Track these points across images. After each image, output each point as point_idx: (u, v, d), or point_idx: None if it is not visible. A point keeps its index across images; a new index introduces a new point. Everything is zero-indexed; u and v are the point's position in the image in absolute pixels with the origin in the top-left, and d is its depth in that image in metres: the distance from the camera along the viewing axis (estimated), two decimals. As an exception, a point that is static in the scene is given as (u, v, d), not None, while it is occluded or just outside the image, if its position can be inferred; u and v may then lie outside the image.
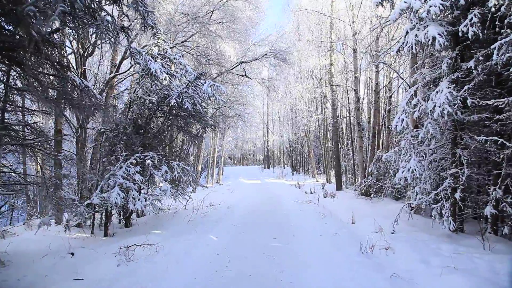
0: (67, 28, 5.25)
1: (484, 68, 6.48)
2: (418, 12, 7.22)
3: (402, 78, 11.86)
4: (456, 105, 6.61)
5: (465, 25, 6.54)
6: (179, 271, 5.69)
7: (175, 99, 8.49)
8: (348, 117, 20.85)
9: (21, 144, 5.50)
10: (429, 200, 7.66)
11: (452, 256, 5.76)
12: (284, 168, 45.10)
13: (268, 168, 50.89)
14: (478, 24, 6.36)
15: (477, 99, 6.53)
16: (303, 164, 37.16)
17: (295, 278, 5.35)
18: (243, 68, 15.39)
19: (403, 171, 8.03)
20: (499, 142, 6.28)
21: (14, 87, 5.49)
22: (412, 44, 7.50)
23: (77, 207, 6.97)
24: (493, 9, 6.13)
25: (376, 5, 8.19)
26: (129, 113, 9.20)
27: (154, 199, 8.20)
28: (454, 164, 7.50)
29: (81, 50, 10.26)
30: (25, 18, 3.81)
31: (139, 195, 7.88)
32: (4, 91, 5.45)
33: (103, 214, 8.87)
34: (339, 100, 22.77)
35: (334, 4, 18.17)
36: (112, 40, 5.44)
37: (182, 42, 13.53)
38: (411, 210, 8.50)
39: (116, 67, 12.74)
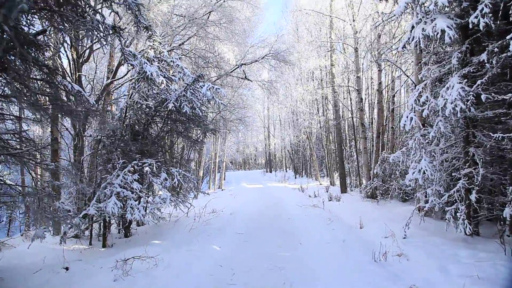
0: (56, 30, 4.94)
1: (498, 61, 6.11)
2: (424, 5, 6.90)
3: (408, 76, 11.50)
4: (469, 101, 6.24)
5: (476, 16, 6.17)
6: (180, 286, 5.32)
7: (173, 103, 8.12)
8: (351, 118, 20.48)
9: (8, 154, 5.13)
10: (442, 203, 7.27)
11: (472, 263, 5.35)
12: (286, 171, 44.69)
13: (270, 172, 50.43)
14: (490, 15, 6.00)
15: (492, 94, 6.16)
16: (306, 167, 36.74)
17: (305, 292, 4.98)
18: (243, 71, 15.06)
19: (414, 172, 7.64)
20: (518, 139, 5.91)
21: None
22: (419, 38, 7.15)
23: (71, 219, 6.60)
24: (505, -2, 5.78)
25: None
26: (126, 119, 8.83)
27: (153, 207, 7.81)
28: (467, 164, 7.13)
29: (74, 55, 9.91)
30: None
31: (138, 204, 7.51)
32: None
33: (102, 224, 8.50)
34: (341, 101, 22.41)
35: (333, 3, 17.86)
36: (103, 40, 5.09)
37: (180, 45, 13.22)
38: (423, 213, 8.09)
39: (113, 73, 12.46)
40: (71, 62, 10.03)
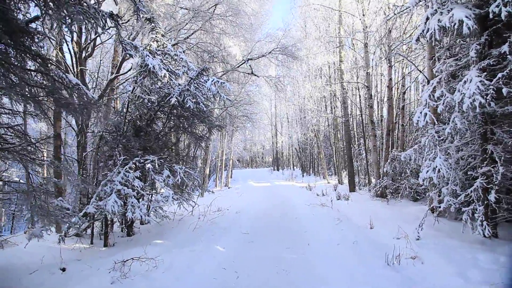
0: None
1: (521, 52, 5.73)
2: (441, -6, 6.55)
3: (420, 71, 11.08)
4: (489, 95, 5.86)
5: (497, 5, 5.80)
6: (180, 291, 5.03)
7: (176, 98, 7.81)
8: (360, 115, 20.06)
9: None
10: (458, 203, 6.89)
11: (495, 269, 4.99)
12: (293, 169, 44.28)
13: (278, 170, 50.12)
14: (513, 3, 5.62)
15: (515, 88, 5.78)
16: (313, 165, 36.35)
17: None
18: (249, 66, 14.68)
19: (428, 171, 7.28)
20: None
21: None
22: (434, 30, 6.80)
23: (69, 217, 6.34)
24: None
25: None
26: (128, 114, 8.54)
27: (155, 206, 7.51)
28: (485, 162, 6.75)
29: (76, 48, 9.65)
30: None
31: (139, 202, 7.22)
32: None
33: (103, 223, 8.25)
34: (350, 98, 21.99)
35: (342, -3, 17.48)
36: (100, 29, 4.79)
37: (185, 39, 12.88)
38: (437, 213, 7.71)
39: (117, 67, 12.19)
40: (72, 56, 9.74)
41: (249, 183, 29.54)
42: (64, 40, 9.80)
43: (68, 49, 9.47)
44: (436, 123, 7.57)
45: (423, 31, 7.32)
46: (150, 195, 7.58)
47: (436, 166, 6.97)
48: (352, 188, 17.28)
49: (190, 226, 9.20)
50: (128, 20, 10.41)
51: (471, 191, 6.68)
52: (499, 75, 5.89)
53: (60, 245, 6.85)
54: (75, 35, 9.80)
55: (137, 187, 7.21)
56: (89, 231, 8.55)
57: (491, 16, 5.94)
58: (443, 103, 7.07)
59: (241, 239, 8.00)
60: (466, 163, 7.83)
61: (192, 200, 9.58)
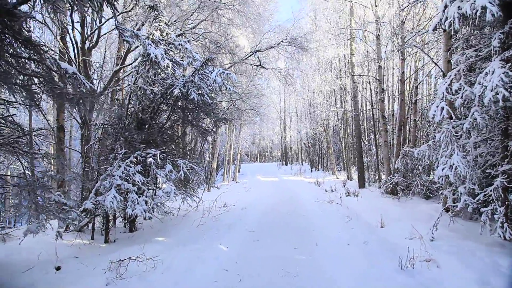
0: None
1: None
2: (461, -20, 6.12)
3: (435, 63, 10.60)
4: (515, 87, 5.44)
5: (525, -10, 5.36)
6: (177, 295, 4.71)
7: (180, 89, 7.45)
8: (370, 110, 19.59)
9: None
10: (476, 202, 6.48)
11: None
12: (302, 164, 43.91)
13: (286, 164, 49.78)
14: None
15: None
16: (322, 161, 35.93)
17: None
18: (258, 58, 14.25)
19: (444, 168, 6.87)
20: None
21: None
22: (453, 17, 6.37)
23: (66, 213, 6.07)
24: None
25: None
26: (130, 106, 8.23)
27: (157, 202, 7.19)
28: (506, 160, 6.32)
29: (77, 38, 9.35)
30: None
31: (140, 198, 6.92)
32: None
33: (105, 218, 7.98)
34: (360, 92, 21.51)
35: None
36: (95, 13, 4.46)
37: (191, 29, 12.50)
38: (452, 213, 7.30)
39: (122, 59, 11.90)
40: (74, 46, 9.43)
41: (257, 178, 29.24)
42: (66, 30, 9.52)
43: (70, 39, 9.15)
44: (454, 117, 7.14)
45: (440, 19, 6.91)
46: (152, 191, 7.26)
47: (453, 164, 6.56)
48: (361, 184, 16.89)
49: (194, 223, 8.90)
50: (131, 9, 10.07)
51: (491, 191, 6.27)
52: (526, 65, 5.47)
53: (58, 241, 6.61)
54: (77, 25, 9.53)
55: (138, 182, 6.91)
56: (90, 226, 8.31)
57: (517, 2, 5.50)
58: (462, 97, 6.65)
59: (246, 238, 7.66)
60: (485, 160, 7.41)
61: (197, 196, 9.27)
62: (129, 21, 11.29)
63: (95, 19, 4.47)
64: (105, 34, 11.78)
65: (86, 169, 8.99)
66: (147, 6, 7.87)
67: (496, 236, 6.02)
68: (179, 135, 10.02)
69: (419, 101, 17.38)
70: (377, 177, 17.98)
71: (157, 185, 8.24)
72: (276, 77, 18.02)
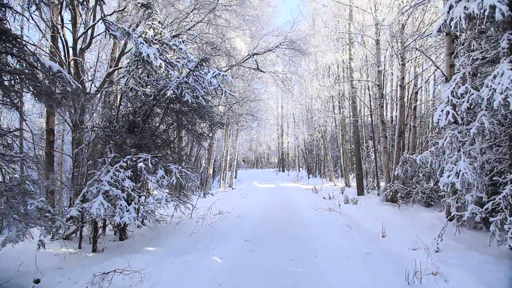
0: None
1: None
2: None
3: (437, 67, 10.33)
4: (527, 91, 5.14)
5: (536, -12, 5.08)
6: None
7: (173, 90, 7.08)
8: (369, 115, 19.32)
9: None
10: (484, 212, 6.15)
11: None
12: (299, 171, 43.60)
13: (283, 171, 49.50)
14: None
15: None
16: (319, 167, 35.66)
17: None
18: (255, 61, 13.94)
19: (449, 175, 6.55)
20: None
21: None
22: (460, 18, 6.10)
23: (48, 221, 5.69)
24: None
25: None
26: (121, 108, 7.87)
27: (146, 210, 6.80)
28: (515, 167, 6.01)
29: (67, 37, 9.00)
30: None
31: (129, 205, 6.54)
32: None
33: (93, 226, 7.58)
34: (359, 97, 21.26)
35: (353, -8, 16.77)
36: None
37: (187, 30, 12.17)
38: (459, 222, 6.95)
39: (116, 61, 11.59)
40: (64, 45, 9.06)
41: (253, 184, 28.84)
42: (56, 29, 9.17)
43: (60, 38, 8.78)
44: (460, 122, 6.82)
45: (445, 21, 6.65)
46: (143, 197, 6.89)
47: (460, 170, 6.23)
48: (360, 192, 16.55)
49: (188, 231, 8.51)
50: (125, 8, 9.76)
51: (500, 199, 5.94)
52: (538, 67, 5.17)
53: (44, 249, 6.22)
54: (69, 25, 9.20)
55: (128, 188, 6.54)
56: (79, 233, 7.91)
57: (527, 1, 5.22)
58: (468, 101, 6.35)
59: (242, 248, 7.25)
60: (491, 167, 7.10)
61: (190, 203, 8.89)
62: (124, 22, 10.99)
63: (95, 22, 4.13)
64: (98, 35, 11.44)
65: (75, 173, 8.61)
66: (140, 4, 7.55)
67: (506, 248, 5.70)
68: (173, 139, 9.62)
69: (417, 107, 17.13)
70: (375, 184, 17.66)
71: (148, 191, 7.86)
72: (274, 82, 17.77)
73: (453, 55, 8.80)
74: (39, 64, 4.96)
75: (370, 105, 18.89)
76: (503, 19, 5.42)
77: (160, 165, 7.18)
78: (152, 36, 7.62)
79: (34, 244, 6.24)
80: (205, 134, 9.74)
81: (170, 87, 7.21)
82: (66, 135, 17.48)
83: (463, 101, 6.41)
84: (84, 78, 9.52)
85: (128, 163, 6.90)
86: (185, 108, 8.16)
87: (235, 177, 34.88)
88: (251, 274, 5.63)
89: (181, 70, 8.36)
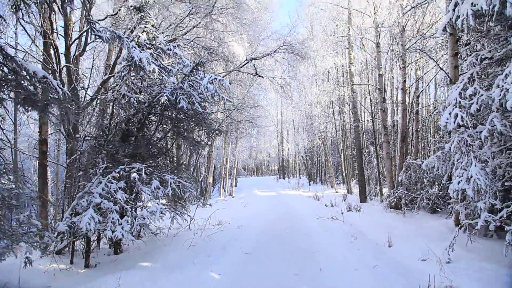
0: None
1: None
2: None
3: (441, 68, 10.00)
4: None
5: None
6: None
7: (167, 96, 6.73)
8: (371, 120, 18.99)
9: None
10: (499, 220, 5.78)
11: None
12: (300, 178, 43.19)
13: (284, 178, 49.09)
14: None
15: None
16: (320, 174, 35.27)
17: None
18: (254, 66, 13.63)
19: (460, 182, 6.21)
20: None
21: None
22: (467, 15, 5.78)
23: (34, 236, 5.32)
24: None
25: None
26: (115, 116, 7.54)
27: (140, 223, 6.41)
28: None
29: (57, 42, 8.68)
30: None
31: (121, 218, 6.17)
32: None
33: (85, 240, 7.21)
34: (360, 102, 20.97)
35: (351, -5, 16.57)
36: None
37: (183, 34, 11.85)
38: (470, 232, 6.57)
39: (111, 68, 11.28)
40: (54, 51, 8.72)
41: (254, 192, 28.43)
42: (47, 35, 8.86)
43: (51, 43, 8.45)
44: (470, 125, 6.47)
45: (450, 19, 6.35)
46: (135, 210, 6.53)
47: (471, 176, 5.88)
48: (363, 199, 16.15)
49: (185, 243, 8.12)
50: (117, 12, 9.46)
51: (515, 206, 5.59)
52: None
53: (34, 265, 5.85)
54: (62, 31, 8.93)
55: (121, 200, 6.19)
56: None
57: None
58: (477, 102, 6.04)
59: (241, 262, 6.85)
60: (504, 172, 6.74)
61: (188, 214, 8.51)
62: (120, 28, 10.69)
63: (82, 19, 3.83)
64: (92, 41, 11.14)
65: (68, 185, 8.27)
66: (132, 7, 7.26)
67: (523, 259, 5.34)
68: (169, 147, 9.26)
69: (419, 111, 16.83)
70: (378, 191, 17.27)
71: (142, 203, 7.49)
72: (273, 88, 17.45)
73: (456, 56, 8.51)
74: (23, 70, 4.65)
75: (371, 110, 18.58)
76: (514, 14, 5.11)
77: (155, 175, 6.84)
78: (145, 40, 7.30)
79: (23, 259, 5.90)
80: (203, 142, 9.40)
81: (164, 93, 6.87)
82: (61, 145, 17.16)
83: (472, 103, 6.09)
84: (77, 85, 9.18)
85: (121, 173, 6.56)
86: (181, 115, 7.82)
87: (235, 185, 34.49)
88: (251, 291, 5.24)
89: (177, 76, 8.03)
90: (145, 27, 7.41)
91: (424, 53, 11.69)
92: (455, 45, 8.73)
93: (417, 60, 15.44)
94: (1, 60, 4.19)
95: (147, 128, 8.49)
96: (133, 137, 7.91)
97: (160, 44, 7.61)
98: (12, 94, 4.81)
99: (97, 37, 5.72)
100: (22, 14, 4.31)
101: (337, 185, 26.75)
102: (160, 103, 6.75)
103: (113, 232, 5.86)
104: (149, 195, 6.41)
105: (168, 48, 7.62)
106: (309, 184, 34.22)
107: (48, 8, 7.32)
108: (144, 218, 6.31)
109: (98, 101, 11.13)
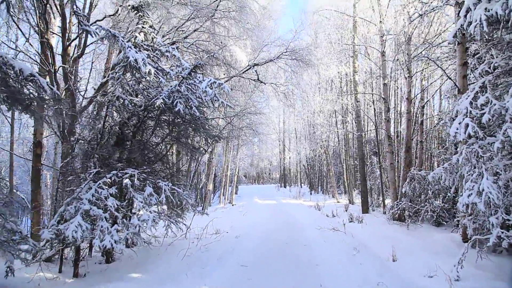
0: None
1: None
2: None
3: (449, 77, 9.69)
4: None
5: None
6: None
7: (163, 99, 6.43)
8: (374, 130, 18.66)
9: None
10: (512, 236, 5.44)
11: None
12: (301, 187, 42.80)
13: (285, 187, 48.73)
14: None
15: None
16: (322, 183, 34.89)
17: None
18: (256, 71, 13.35)
19: (470, 195, 5.88)
20: None
21: None
22: (480, 20, 5.51)
23: (16, 244, 5.01)
24: None
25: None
26: (108, 120, 7.24)
27: (131, 232, 6.08)
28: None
29: (52, 42, 8.43)
30: None
31: (112, 226, 5.84)
32: None
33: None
34: (364, 111, 20.68)
35: (357, 4, 16.32)
36: None
37: (184, 38, 11.59)
38: (481, 248, 6.22)
39: (110, 70, 11.02)
40: (48, 51, 8.45)
41: (254, 201, 28.05)
42: (44, 35, 8.63)
43: (46, 43, 8.19)
44: (481, 136, 6.14)
45: (462, 26, 6.10)
46: (128, 218, 6.21)
47: (483, 189, 5.55)
48: (365, 209, 15.79)
49: (180, 253, 7.78)
50: (115, 13, 9.22)
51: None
52: None
53: (18, 274, 5.52)
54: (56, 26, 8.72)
55: (111, 206, 5.87)
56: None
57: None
58: (489, 112, 5.73)
59: (237, 275, 6.49)
60: (515, 185, 6.41)
61: (183, 223, 8.17)
62: (120, 30, 10.47)
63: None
64: (91, 43, 10.93)
65: (60, 189, 7.97)
66: (130, 7, 7.01)
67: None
68: (165, 153, 8.94)
69: (424, 122, 16.53)
70: (380, 202, 16.91)
71: (134, 211, 7.16)
72: (275, 95, 17.17)
73: (465, 66, 8.25)
74: (8, 67, 4.38)
75: (375, 120, 18.27)
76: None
77: (148, 181, 6.52)
78: (142, 41, 7.03)
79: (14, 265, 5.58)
80: (202, 149, 9.09)
81: (160, 96, 6.57)
82: (58, 148, 16.93)
83: (484, 113, 5.79)
84: (72, 87, 8.92)
85: (114, 179, 6.25)
86: (178, 120, 7.52)
87: (236, 193, 34.09)
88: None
89: (175, 79, 7.75)
90: (143, 27, 7.14)
91: (432, 61, 11.38)
92: (464, 54, 8.48)
93: (422, 70, 15.19)
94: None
95: (143, 132, 8.20)
96: (128, 142, 7.62)
97: (158, 45, 7.33)
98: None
99: (87, 32, 5.43)
100: (15, 12, 4.00)
101: (339, 195, 26.42)
102: (156, 106, 6.45)
103: (101, 241, 5.53)
104: (141, 202, 6.09)
105: (166, 50, 7.34)
106: (310, 194, 33.84)
107: (43, 7, 7.08)
108: (135, 227, 5.97)
109: (96, 104, 10.91)
